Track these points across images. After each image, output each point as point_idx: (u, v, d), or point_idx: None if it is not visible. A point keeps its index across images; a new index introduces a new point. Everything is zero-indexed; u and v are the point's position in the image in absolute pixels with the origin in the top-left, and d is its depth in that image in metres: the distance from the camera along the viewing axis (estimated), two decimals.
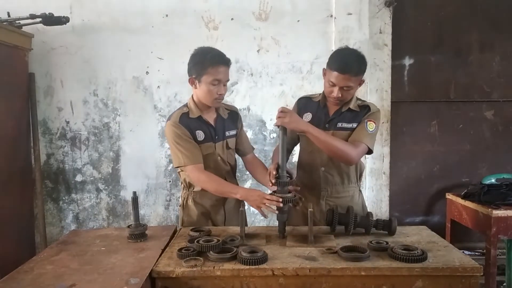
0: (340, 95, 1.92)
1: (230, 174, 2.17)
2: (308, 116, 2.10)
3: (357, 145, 1.94)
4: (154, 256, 1.62)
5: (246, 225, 2.22)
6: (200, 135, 2.02)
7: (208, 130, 2.05)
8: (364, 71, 1.95)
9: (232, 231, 1.93)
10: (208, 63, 1.92)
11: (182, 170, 2.07)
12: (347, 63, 1.89)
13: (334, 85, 1.92)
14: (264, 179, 2.07)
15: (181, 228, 2.04)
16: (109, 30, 3.20)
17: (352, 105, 2.03)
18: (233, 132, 2.15)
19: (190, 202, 2.11)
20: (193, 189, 2.10)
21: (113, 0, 3.17)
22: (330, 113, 2.06)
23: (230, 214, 2.14)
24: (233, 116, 2.18)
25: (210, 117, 2.08)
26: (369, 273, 1.48)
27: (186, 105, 2.07)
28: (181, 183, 2.17)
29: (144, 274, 1.45)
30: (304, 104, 2.15)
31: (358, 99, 2.09)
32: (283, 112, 1.81)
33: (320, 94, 2.12)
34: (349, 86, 1.91)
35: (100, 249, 1.73)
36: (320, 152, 2.04)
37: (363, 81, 2.00)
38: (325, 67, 2.00)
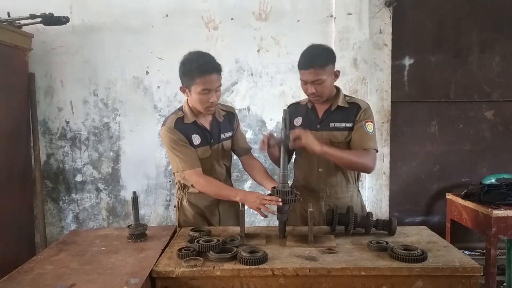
0: (314, 90, 1.94)
1: (226, 177, 2.17)
2: (298, 120, 2.11)
3: (370, 153, 1.97)
4: (154, 256, 1.62)
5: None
6: (196, 139, 2.02)
7: (204, 134, 2.05)
8: (332, 62, 1.96)
9: (232, 231, 1.93)
10: (195, 73, 1.88)
11: (177, 172, 2.07)
12: (309, 58, 1.92)
13: (306, 82, 1.95)
14: (262, 179, 2.08)
15: (181, 228, 2.04)
16: (109, 30, 3.20)
17: (340, 102, 2.03)
18: (228, 134, 2.15)
19: (185, 202, 2.12)
20: (187, 190, 2.11)
21: (113, 0, 3.17)
22: (319, 113, 2.07)
23: (225, 215, 2.15)
24: (230, 118, 2.17)
25: (206, 121, 2.07)
26: (369, 273, 1.48)
27: (181, 109, 2.07)
28: (176, 184, 2.17)
29: (144, 274, 1.45)
30: (293, 109, 2.16)
31: (346, 95, 2.09)
32: (299, 135, 1.82)
33: (307, 97, 2.12)
34: (320, 79, 1.92)
35: (100, 249, 1.73)
36: (315, 155, 2.02)
37: (338, 72, 2.01)
38: None
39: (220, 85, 1.98)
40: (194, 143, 2.01)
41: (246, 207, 1.86)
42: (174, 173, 2.14)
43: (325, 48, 1.99)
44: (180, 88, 2.00)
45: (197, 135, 2.02)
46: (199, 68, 1.89)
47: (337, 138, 2.02)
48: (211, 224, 2.11)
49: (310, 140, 1.84)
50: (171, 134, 1.97)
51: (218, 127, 2.10)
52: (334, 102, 2.04)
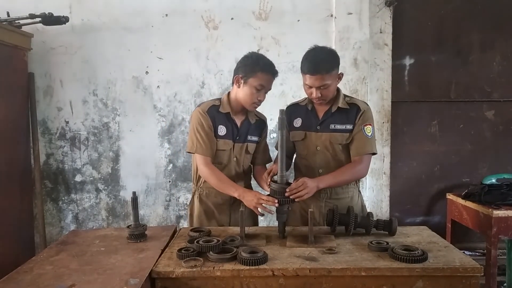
0: (319, 95, 1.94)
1: (241, 178, 2.16)
2: (298, 121, 2.11)
3: (363, 159, 1.99)
4: (154, 257, 1.61)
5: (257, 224, 2.24)
6: (222, 130, 2.07)
7: (232, 129, 2.09)
8: (337, 65, 1.96)
9: (232, 231, 1.92)
10: (259, 67, 1.97)
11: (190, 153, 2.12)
12: (315, 63, 1.90)
13: (311, 87, 1.94)
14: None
15: (181, 229, 2.03)
16: (108, 30, 3.19)
17: (340, 103, 2.03)
18: (255, 138, 2.18)
19: (195, 199, 2.15)
20: (200, 184, 2.13)
21: None
22: (319, 114, 2.07)
23: (236, 215, 2.14)
24: (260, 124, 2.21)
25: (238, 118, 2.12)
26: (370, 273, 1.48)
27: (219, 99, 2.12)
28: (192, 174, 2.19)
29: (144, 274, 1.44)
30: (292, 110, 2.16)
31: (346, 96, 2.09)
32: (298, 187, 1.79)
33: (306, 98, 2.13)
34: (325, 84, 1.92)
35: (100, 250, 1.72)
36: (316, 155, 2.06)
37: (342, 75, 2.00)
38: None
39: (270, 89, 2.06)
40: (219, 133, 2.06)
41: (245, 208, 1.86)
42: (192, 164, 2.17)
43: (330, 52, 1.98)
44: (235, 78, 2.04)
45: (224, 127, 2.07)
46: (265, 64, 2.00)
47: (337, 139, 2.03)
48: (220, 224, 2.11)
49: (311, 189, 1.83)
50: (201, 116, 2.03)
51: (247, 127, 2.14)
52: (335, 104, 2.04)
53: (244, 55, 2.07)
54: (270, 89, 2.06)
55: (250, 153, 2.17)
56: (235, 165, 2.12)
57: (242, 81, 2.00)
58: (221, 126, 2.06)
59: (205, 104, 2.10)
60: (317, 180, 1.89)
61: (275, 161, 2.16)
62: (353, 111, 2.03)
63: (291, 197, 1.78)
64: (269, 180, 1.89)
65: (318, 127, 2.05)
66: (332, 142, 2.03)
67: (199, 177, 2.12)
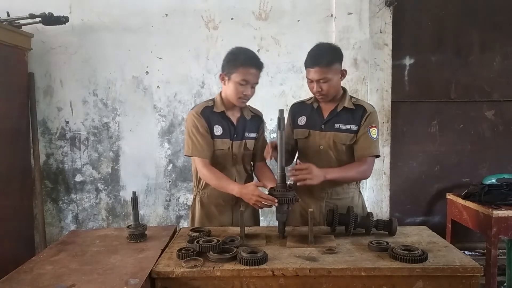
0: (320, 89, 1.95)
1: (242, 176, 2.16)
2: (302, 119, 2.12)
3: (368, 161, 2.00)
4: (154, 257, 1.61)
5: (258, 224, 2.24)
6: (218, 130, 2.06)
7: (228, 127, 2.08)
8: (338, 60, 1.98)
9: (232, 231, 1.92)
10: (239, 62, 1.97)
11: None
12: (315, 56, 1.94)
13: (312, 81, 1.96)
14: (268, 184, 2.07)
15: (181, 229, 2.03)
16: (108, 30, 3.19)
17: (346, 103, 2.04)
18: (253, 135, 2.17)
19: (197, 202, 2.15)
20: (201, 187, 2.12)
21: None
22: (324, 113, 2.08)
23: (238, 217, 2.14)
24: (256, 120, 2.20)
25: (233, 116, 2.11)
26: (370, 273, 1.48)
27: (212, 99, 2.12)
28: (193, 177, 2.19)
29: (144, 274, 1.44)
30: (298, 108, 2.17)
31: (352, 97, 2.10)
32: (302, 170, 1.80)
33: (312, 97, 2.13)
34: (325, 78, 1.93)
35: (100, 250, 1.72)
36: (319, 155, 2.06)
37: (345, 71, 2.02)
38: None
39: (257, 83, 2.04)
40: (215, 133, 2.05)
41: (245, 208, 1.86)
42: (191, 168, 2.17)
43: (332, 47, 2.01)
44: (220, 75, 2.05)
45: (220, 127, 2.06)
46: (245, 59, 1.98)
47: (341, 139, 2.03)
48: (222, 225, 2.10)
49: (316, 176, 1.83)
50: (196, 119, 2.03)
51: (244, 124, 2.13)
52: (340, 103, 2.04)
53: (228, 51, 2.05)
54: (256, 82, 2.02)
55: (249, 150, 2.16)
56: (235, 164, 2.12)
57: (227, 78, 2.01)
58: (217, 126, 2.06)
59: (199, 106, 2.10)
60: (324, 170, 1.89)
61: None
62: (358, 112, 2.03)
63: (292, 178, 1.79)
64: (270, 154, 1.91)
65: (323, 126, 2.05)
66: (336, 142, 2.03)
67: (200, 179, 2.11)
